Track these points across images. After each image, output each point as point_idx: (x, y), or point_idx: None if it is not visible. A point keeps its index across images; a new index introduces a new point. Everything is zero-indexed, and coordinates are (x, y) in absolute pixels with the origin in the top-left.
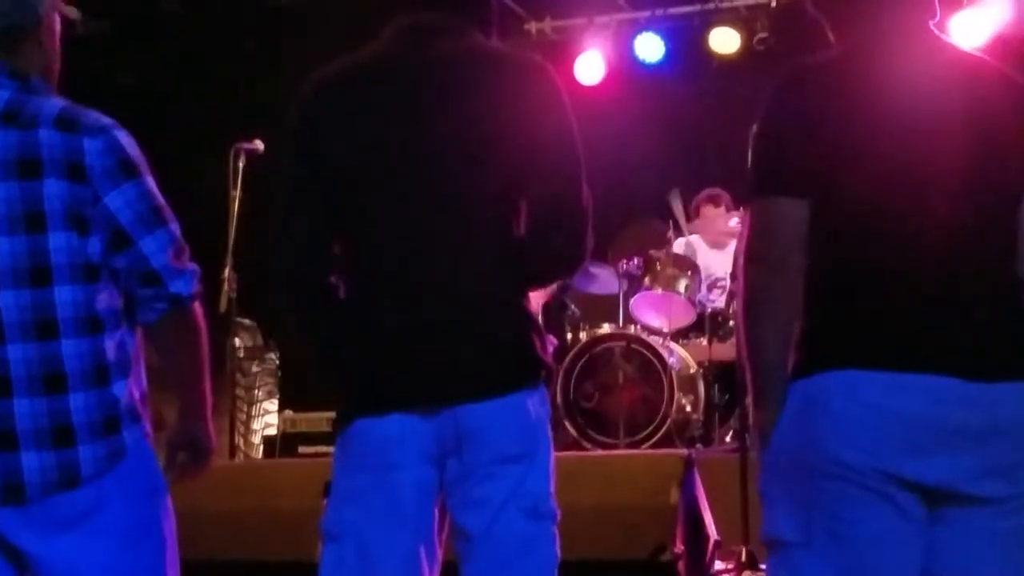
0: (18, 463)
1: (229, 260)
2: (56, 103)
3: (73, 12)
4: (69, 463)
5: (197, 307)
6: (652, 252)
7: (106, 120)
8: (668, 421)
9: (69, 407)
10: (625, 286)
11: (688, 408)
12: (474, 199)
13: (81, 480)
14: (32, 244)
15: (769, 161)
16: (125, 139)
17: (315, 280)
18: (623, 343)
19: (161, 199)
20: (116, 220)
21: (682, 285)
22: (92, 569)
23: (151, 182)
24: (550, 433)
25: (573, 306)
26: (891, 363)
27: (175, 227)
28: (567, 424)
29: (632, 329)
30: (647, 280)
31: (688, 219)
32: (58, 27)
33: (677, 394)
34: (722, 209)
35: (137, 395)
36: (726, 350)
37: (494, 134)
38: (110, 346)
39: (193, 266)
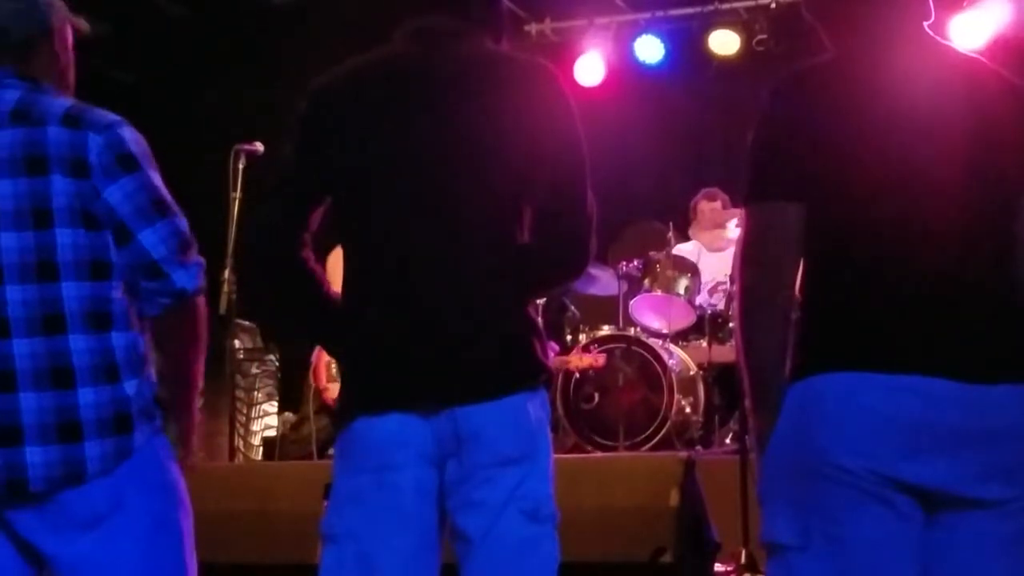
0: (22, 457)
1: (229, 262)
2: (64, 102)
3: (83, 24)
4: (74, 459)
5: (201, 302)
6: (652, 254)
7: (112, 117)
8: (668, 423)
9: (77, 402)
10: (625, 288)
11: (688, 410)
12: (477, 202)
13: (86, 477)
14: (39, 239)
15: (765, 165)
16: (129, 135)
17: (281, 253)
18: (623, 345)
19: (164, 193)
20: (116, 214)
21: (682, 287)
22: (115, 568)
23: (154, 176)
24: (550, 436)
25: (573, 308)
26: (888, 366)
27: (180, 221)
28: (567, 426)
29: (632, 331)
30: (647, 282)
31: (688, 222)
32: (70, 37)
33: (677, 396)
34: (718, 204)
35: (149, 394)
36: (726, 352)
37: (500, 138)
38: (120, 344)
39: (198, 260)
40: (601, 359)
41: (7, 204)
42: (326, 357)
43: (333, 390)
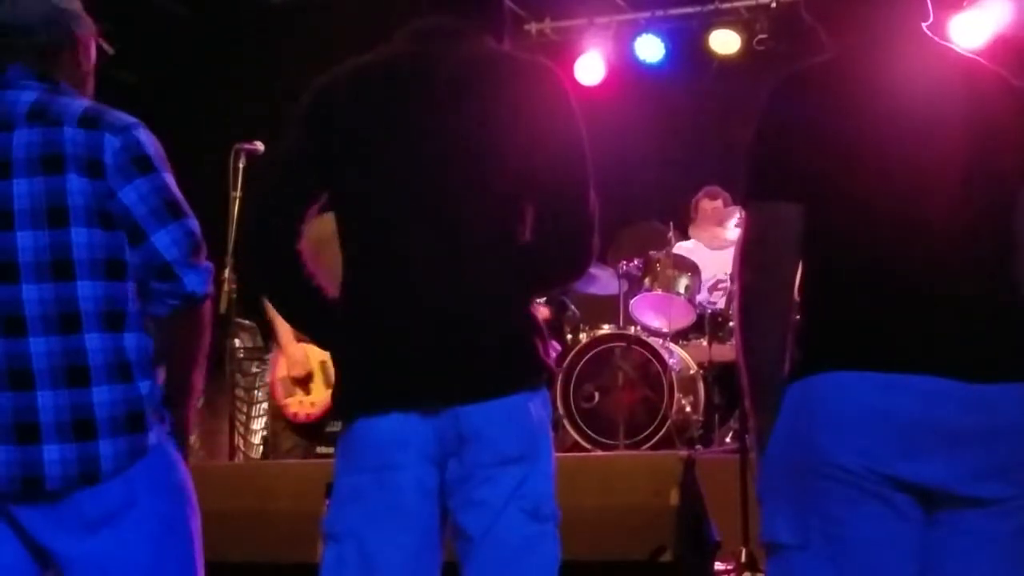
0: (39, 455)
1: (229, 261)
2: (81, 103)
3: (109, 48)
4: (90, 457)
5: (208, 306)
6: (652, 253)
7: (129, 119)
8: (668, 422)
9: (92, 400)
10: (625, 287)
11: (688, 409)
12: (478, 201)
13: (101, 476)
14: (54, 238)
15: (764, 165)
16: (144, 137)
17: (278, 249)
18: (623, 344)
19: (178, 195)
20: (131, 215)
21: (682, 286)
22: (125, 568)
23: (168, 178)
24: (551, 435)
25: (573, 307)
26: (886, 365)
27: (192, 223)
28: (567, 425)
29: (632, 330)
30: (647, 281)
31: (689, 220)
32: (94, 52)
33: (677, 395)
34: (719, 203)
35: (159, 395)
36: (726, 351)
37: (500, 138)
38: (133, 344)
39: (208, 264)
40: (545, 311)
41: (23, 203)
42: (280, 372)
43: (292, 404)
